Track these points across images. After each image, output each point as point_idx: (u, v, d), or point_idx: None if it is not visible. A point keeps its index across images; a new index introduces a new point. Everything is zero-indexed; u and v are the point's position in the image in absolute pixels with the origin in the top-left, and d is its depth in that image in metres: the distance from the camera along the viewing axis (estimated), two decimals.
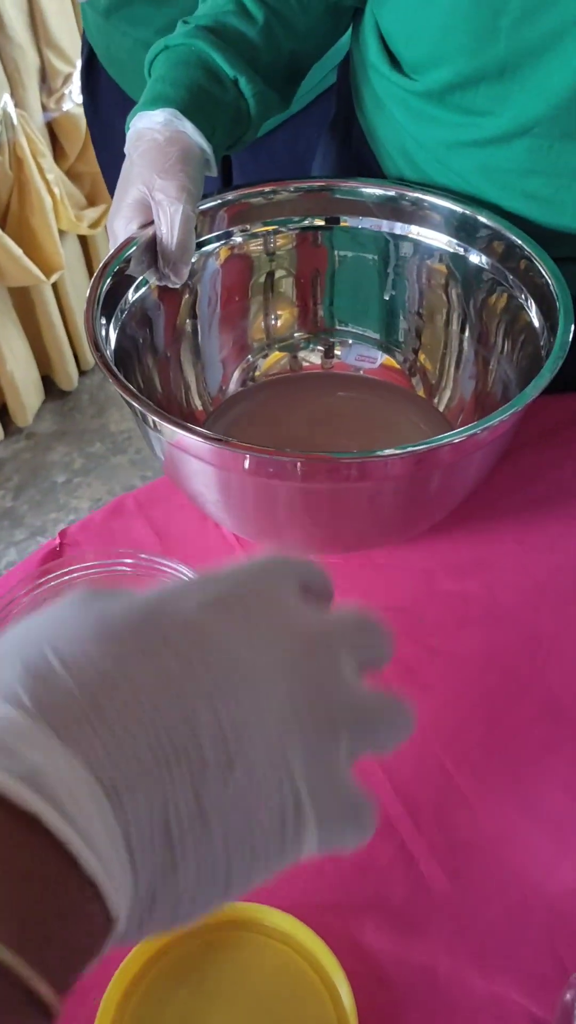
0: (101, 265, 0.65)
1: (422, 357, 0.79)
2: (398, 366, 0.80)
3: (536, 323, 0.65)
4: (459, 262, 0.73)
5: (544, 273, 0.65)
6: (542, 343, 0.63)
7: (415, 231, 0.74)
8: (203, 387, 0.78)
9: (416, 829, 0.54)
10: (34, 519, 1.78)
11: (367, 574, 0.68)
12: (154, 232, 0.63)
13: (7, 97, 1.56)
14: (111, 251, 0.65)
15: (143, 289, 0.69)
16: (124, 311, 0.67)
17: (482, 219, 0.70)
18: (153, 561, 0.51)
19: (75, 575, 0.52)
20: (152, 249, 0.64)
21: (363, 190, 0.75)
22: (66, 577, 0.52)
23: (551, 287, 0.64)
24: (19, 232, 1.68)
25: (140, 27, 1.01)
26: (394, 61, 0.71)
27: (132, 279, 0.67)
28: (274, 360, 0.81)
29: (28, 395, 1.88)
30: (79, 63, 1.48)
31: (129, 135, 0.66)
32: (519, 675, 0.62)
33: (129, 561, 0.51)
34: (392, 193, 0.74)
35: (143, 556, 0.51)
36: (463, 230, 0.72)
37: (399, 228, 0.75)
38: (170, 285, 0.66)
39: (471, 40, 0.60)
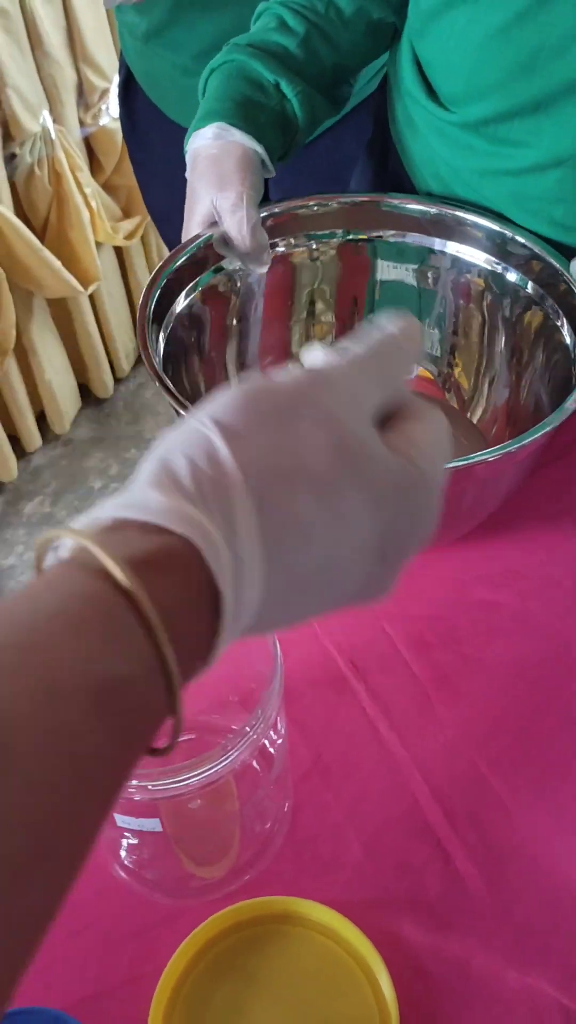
0: (156, 269, 0.69)
1: (457, 371, 0.81)
2: (432, 378, 0.83)
3: (568, 341, 0.67)
4: (497, 279, 0.76)
5: None
6: (574, 359, 0.66)
7: (454, 247, 0.77)
8: None
9: (452, 829, 0.56)
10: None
11: (402, 584, 0.70)
12: (224, 231, 0.68)
13: (46, 113, 1.60)
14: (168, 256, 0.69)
15: (193, 295, 0.72)
16: (174, 316, 0.70)
17: (520, 239, 0.72)
18: None
19: None
20: (228, 242, 0.69)
21: (407, 205, 0.77)
22: None
23: None
24: (58, 244, 1.72)
25: (178, 52, 1.04)
26: (431, 91, 0.73)
27: (183, 286, 0.70)
28: None
29: (65, 403, 1.92)
30: (115, 78, 1.52)
31: (188, 158, 0.70)
32: (549, 683, 0.64)
33: None
34: (434, 210, 0.76)
35: None
36: (501, 249, 0.74)
37: (439, 244, 0.78)
38: (259, 270, 0.73)
39: (507, 77, 0.62)
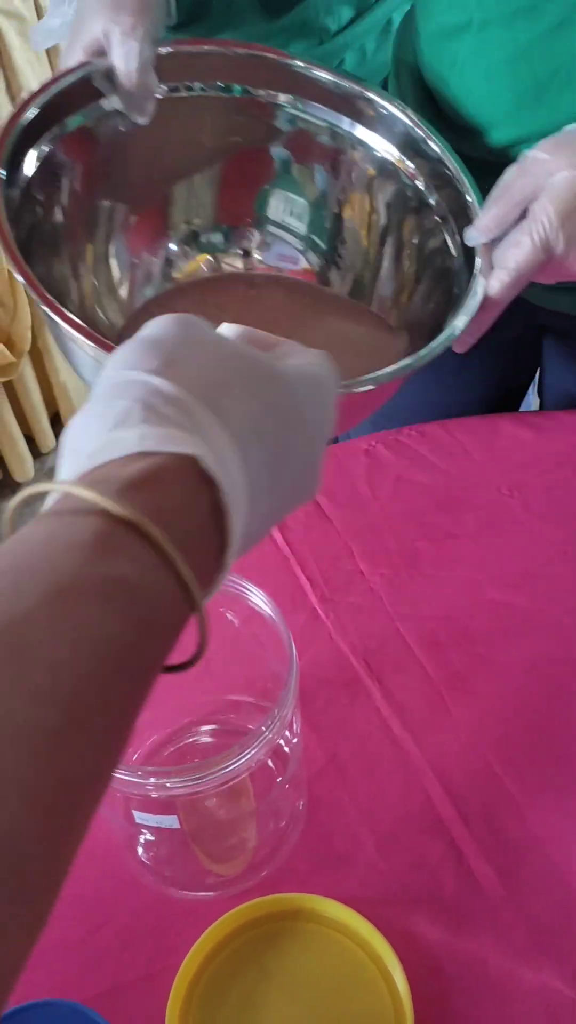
0: (28, 94, 0.59)
1: (343, 261, 0.73)
2: (317, 269, 0.74)
3: (455, 255, 0.63)
4: (395, 175, 0.68)
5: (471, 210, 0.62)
6: (455, 269, 0.63)
7: (362, 131, 0.68)
8: (112, 289, 0.70)
9: (466, 828, 0.57)
10: None
11: (416, 585, 0.71)
12: (110, 64, 0.60)
13: None
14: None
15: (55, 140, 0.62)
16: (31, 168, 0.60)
17: (433, 145, 0.65)
18: None
19: None
20: (111, 79, 0.61)
21: (318, 73, 0.67)
22: None
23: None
24: None
25: None
26: (439, 115, 0.73)
27: (47, 127, 0.61)
28: (194, 268, 0.74)
29: (80, 404, 1.94)
30: None
31: None
32: (563, 683, 0.64)
33: None
34: (346, 85, 0.67)
35: None
36: (411, 147, 0.67)
37: (347, 123, 0.68)
38: (139, 119, 0.64)
39: (515, 107, 0.63)
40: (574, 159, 0.54)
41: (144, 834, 0.53)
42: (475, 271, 0.59)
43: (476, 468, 0.80)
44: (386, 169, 0.68)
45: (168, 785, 0.46)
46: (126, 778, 0.46)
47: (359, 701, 0.64)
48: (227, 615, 0.54)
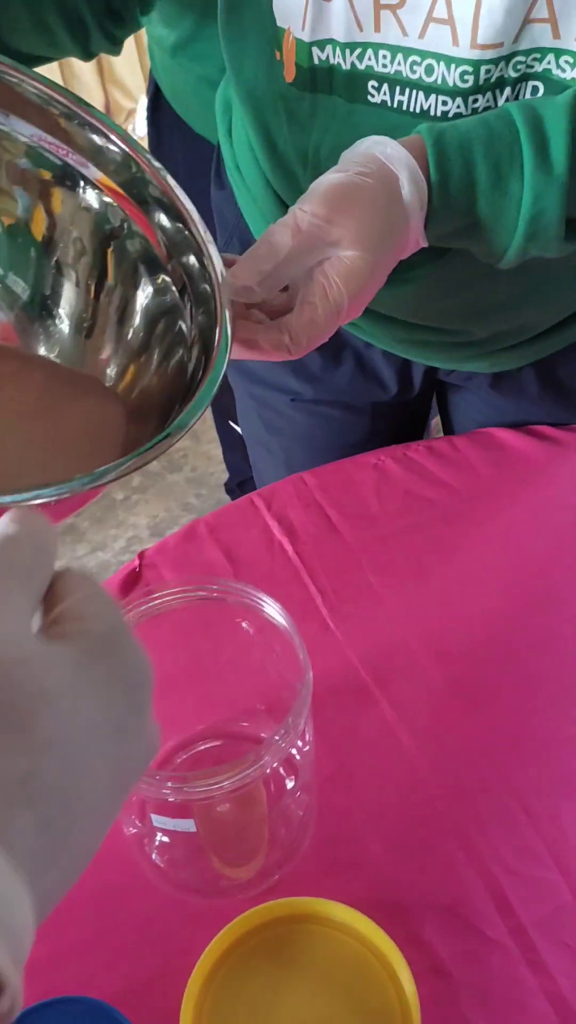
0: None
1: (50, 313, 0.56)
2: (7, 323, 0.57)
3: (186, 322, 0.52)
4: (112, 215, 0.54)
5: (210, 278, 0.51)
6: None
7: (76, 159, 0.53)
8: None
9: (472, 833, 0.58)
10: (95, 535, 1.85)
11: (424, 597, 0.73)
12: None
13: None
14: None
15: None
16: None
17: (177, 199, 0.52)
18: (231, 587, 0.56)
19: (158, 601, 0.57)
20: None
21: (33, 84, 0.51)
22: (152, 602, 0.57)
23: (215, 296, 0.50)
24: None
25: (204, 64, 1.07)
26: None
27: None
28: None
29: None
30: (142, 98, 1.55)
31: None
32: (569, 695, 0.66)
33: (214, 588, 0.57)
34: (64, 102, 0.51)
35: (232, 585, 0.56)
36: (139, 191, 0.54)
37: (62, 149, 0.53)
38: None
39: None
40: (360, 232, 0.49)
41: (158, 837, 0.54)
42: (220, 337, 0.48)
43: (482, 483, 0.82)
44: (104, 210, 0.54)
45: (185, 789, 0.47)
46: (145, 782, 0.48)
47: (367, 711, 0.65)
48: (242, 625, 0.56)
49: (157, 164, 0.52)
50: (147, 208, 0.54)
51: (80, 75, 1.61)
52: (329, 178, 0.51)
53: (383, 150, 0.52)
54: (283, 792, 0.56)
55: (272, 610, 0.54)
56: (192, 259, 0.52)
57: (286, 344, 0.50)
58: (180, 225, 0.52)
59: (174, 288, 0.53)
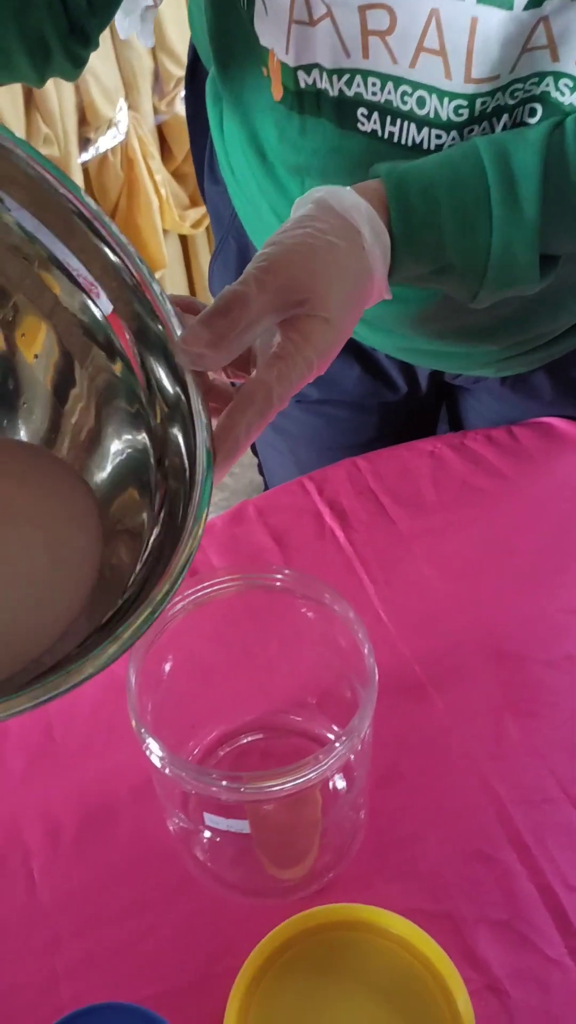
0: None
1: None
2: None
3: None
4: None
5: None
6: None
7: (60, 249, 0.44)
8: None
9: (530, 845, 0.55)
10: None
11: (482, 593, 0.70)
12: None
13: (122, 100, 1.61)
14: None
15: None
16: None
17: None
18: (296, 577, 0.54)
19: (210, 590, 0.55)
20: None
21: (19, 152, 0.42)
22: (204, 592, 0.54)
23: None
24: (126, 230, 1.72)
25: None
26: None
27: None
28: None
29: None
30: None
31: None
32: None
33: (278, 577, 0.54)
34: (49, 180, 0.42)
35: (296, 575, 0.54)
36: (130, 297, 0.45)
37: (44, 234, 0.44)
38: None
39: None
40: (327, 296, 0.44)
41: (205, 835, 0.52)
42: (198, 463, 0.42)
43: (544, 474, 0.78)
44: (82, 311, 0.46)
45: (242, 790, 0.45)
46: (197, 779, 0.46)
47: (421, 710, 0.63)
48: (308, 615, 0.54)
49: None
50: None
51: (131, 41, 1.58)
52: (289, 236, 0.45)
53: (340, 202, 0.48)
54: (338, 795, 0.54)
55: (337, 604, 0.52)
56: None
57: (271, 401, 0.44)
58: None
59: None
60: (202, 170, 1.15)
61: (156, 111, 1.73)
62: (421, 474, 0.79)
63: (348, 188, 0.49)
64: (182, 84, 1.71)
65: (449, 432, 0.87)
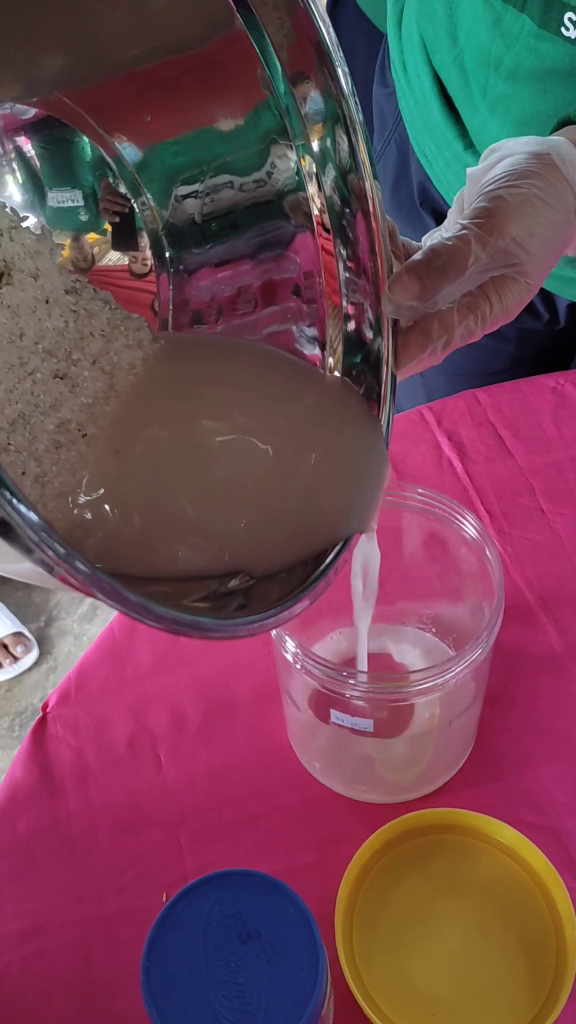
0: None
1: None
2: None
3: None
4: None
5: None
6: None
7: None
8: None
9: None
10: None
11: None
12: None
13: None
14: None
15: None
16: None
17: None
18: (422, 494, 0.55)
19: None
20: None
21: None
22: None
23: None
24: None
25: None
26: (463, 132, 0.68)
27: None
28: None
29: None
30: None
31: None
32: None
33: (410, 495, 0.56)
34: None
35: (419, 492, 0.55)
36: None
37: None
38: None
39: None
40: (540, 264, 0.45)
41: (326, 733, 0.55)
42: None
43: None
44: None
45: (372, 690, 0.47)
46: (328, 676, 0.48)
47: (533, 637, 0.64)
48: (436, 531, 0.55)
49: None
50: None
51: None
52: (513, 193, 0.45)
53: (558, 151, 0.47)
54: (458, 702, 0.56)
55: (468, 523, 0.53)
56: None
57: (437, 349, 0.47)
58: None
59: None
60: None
61: None
62: (542, 409, 0.79)
63: (565, 141, 0.48)
64: None
65: None
